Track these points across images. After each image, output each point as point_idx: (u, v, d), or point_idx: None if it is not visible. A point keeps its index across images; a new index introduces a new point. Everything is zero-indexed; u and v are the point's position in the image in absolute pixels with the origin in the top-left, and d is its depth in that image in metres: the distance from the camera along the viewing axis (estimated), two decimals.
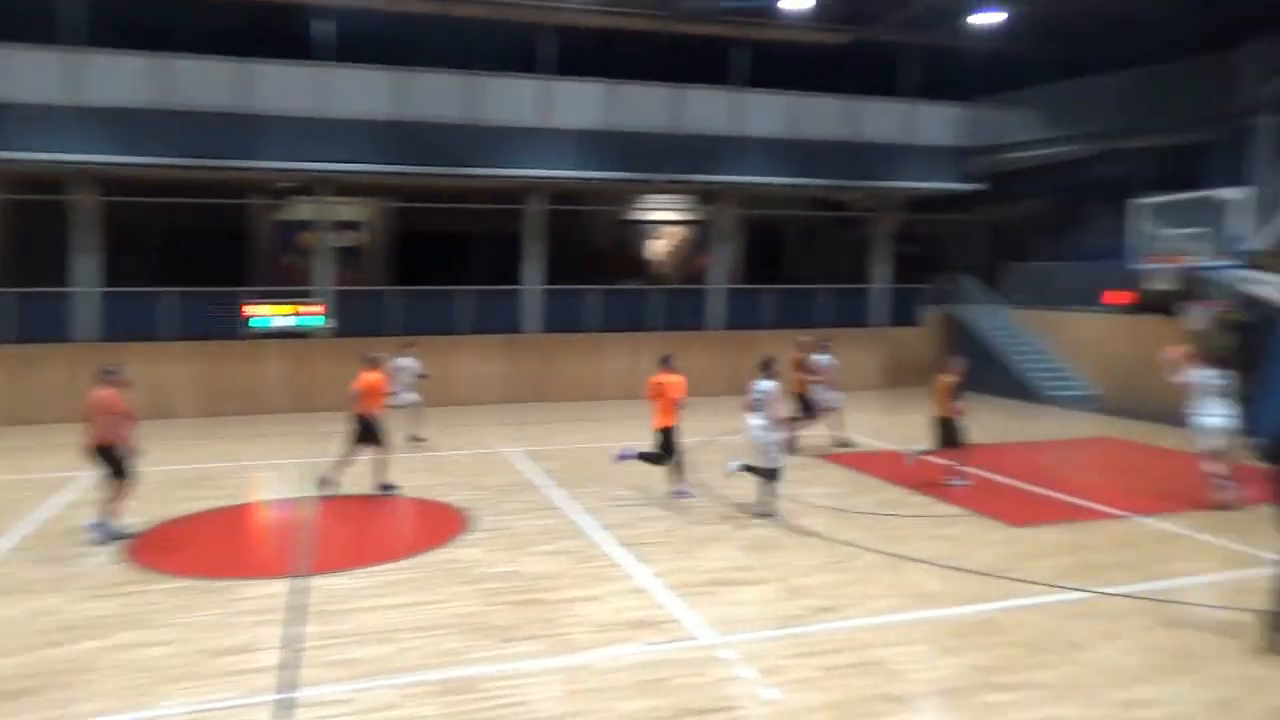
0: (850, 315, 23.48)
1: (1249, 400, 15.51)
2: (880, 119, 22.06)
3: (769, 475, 10.50)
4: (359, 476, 11.51)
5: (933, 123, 22.46)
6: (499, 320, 20.75)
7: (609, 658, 6.59)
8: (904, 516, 10.53)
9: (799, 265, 29.75)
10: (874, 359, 23.53)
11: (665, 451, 11.26)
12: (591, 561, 8.85)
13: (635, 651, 6.70)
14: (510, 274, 21.48)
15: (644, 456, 11.53)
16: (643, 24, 20.69)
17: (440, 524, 10.23)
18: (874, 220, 23.87)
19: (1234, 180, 16.80)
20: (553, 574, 8.44)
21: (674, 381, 11.31)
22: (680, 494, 11.34)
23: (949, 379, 12.17)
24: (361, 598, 7.80)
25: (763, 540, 9.56)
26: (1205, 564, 8.89)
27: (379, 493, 11.55)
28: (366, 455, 11.51)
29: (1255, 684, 6.15)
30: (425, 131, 19.02)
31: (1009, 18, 20.10)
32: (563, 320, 21.21)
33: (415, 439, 14.97)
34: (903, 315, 24.09)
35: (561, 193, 21.68)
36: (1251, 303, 16.74)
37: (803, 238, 29.92)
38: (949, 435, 12.05)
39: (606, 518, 10.44)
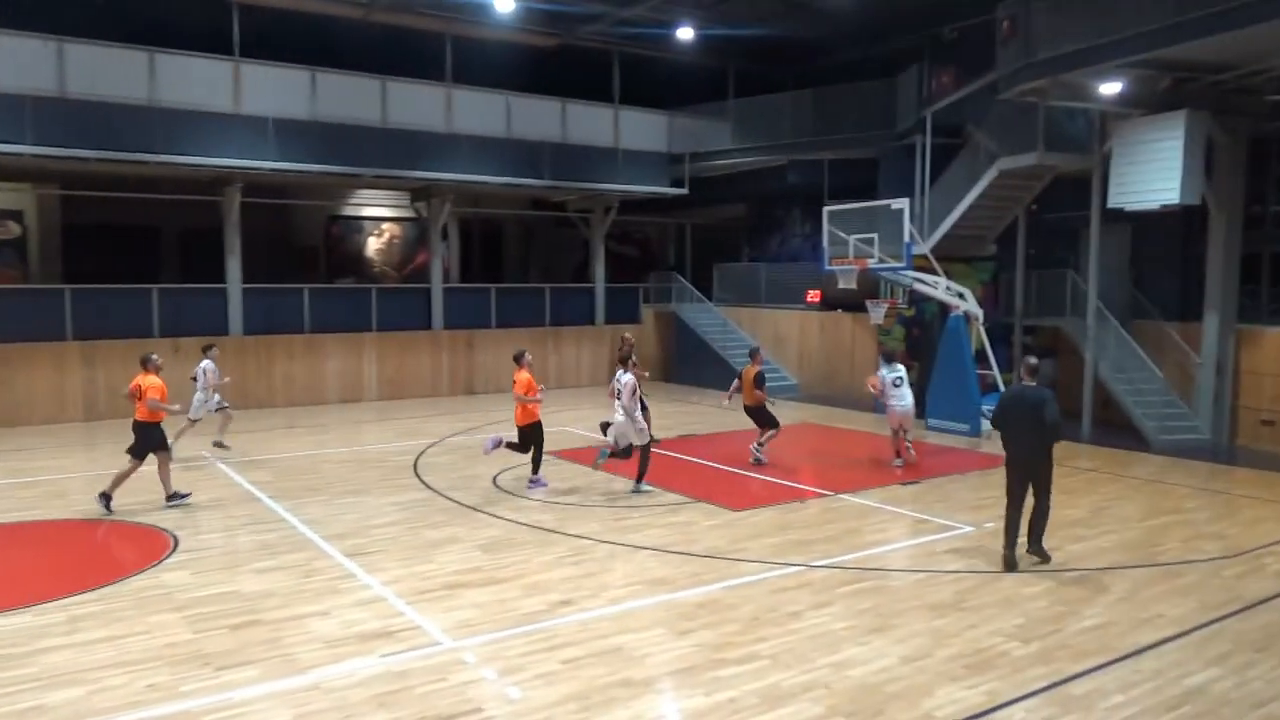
0: (574, 314, 23.96)
1: (921, 387, 17.57)
2: (591, 122, 22.51)
3: (624, 452, 11.42)
4: (51, 496, 10.12)
5: (640, 128, 23.25)
6: (199, 321, 18.97)
7: (342, 674, 6.24)
8: (634, 507, 10.88)
9: (523, 265, 29.96)
10: (598, 356, 24.19)
11: (524, 445, 11.86)
12: (317, 575, 8.34)
13: (370, 664, 6.39)
14: (211, 271, 19.76)
15: (511, 445, 11.95)
16: (341, 10, 19.64)
17: (141, 547, 9.20)
18: (591, 221, 24.48)
19: (903, 191, 19.00)
20: (274, 591, 7.86)
21: (519, 379, 11.76)
22: (535, 484, 11.79)
23: (754, 368, 13.34)
24: (47, 637, 6.83)
25: (499, 540, 9.49)
26: (897, 533, 9.95)
27: (100, 503, 10.40)
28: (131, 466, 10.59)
29: (941, 636, 6.96)
30: (93, 111, 16.80)
31: (705, 35, 21.49)
32: (274, 321, 19.82)
33: (221, 445, 14.22)
34: (624, 313, 24.92)
35: (263, 185, 20.25)
36: (921, 301, 18.99)
37: (525, 237, 30.12)
38: (765, 418, 13.33)
39: (331, 528, 9.90)
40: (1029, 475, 8.59)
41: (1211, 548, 9.32)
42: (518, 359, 11.97)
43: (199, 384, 13.84)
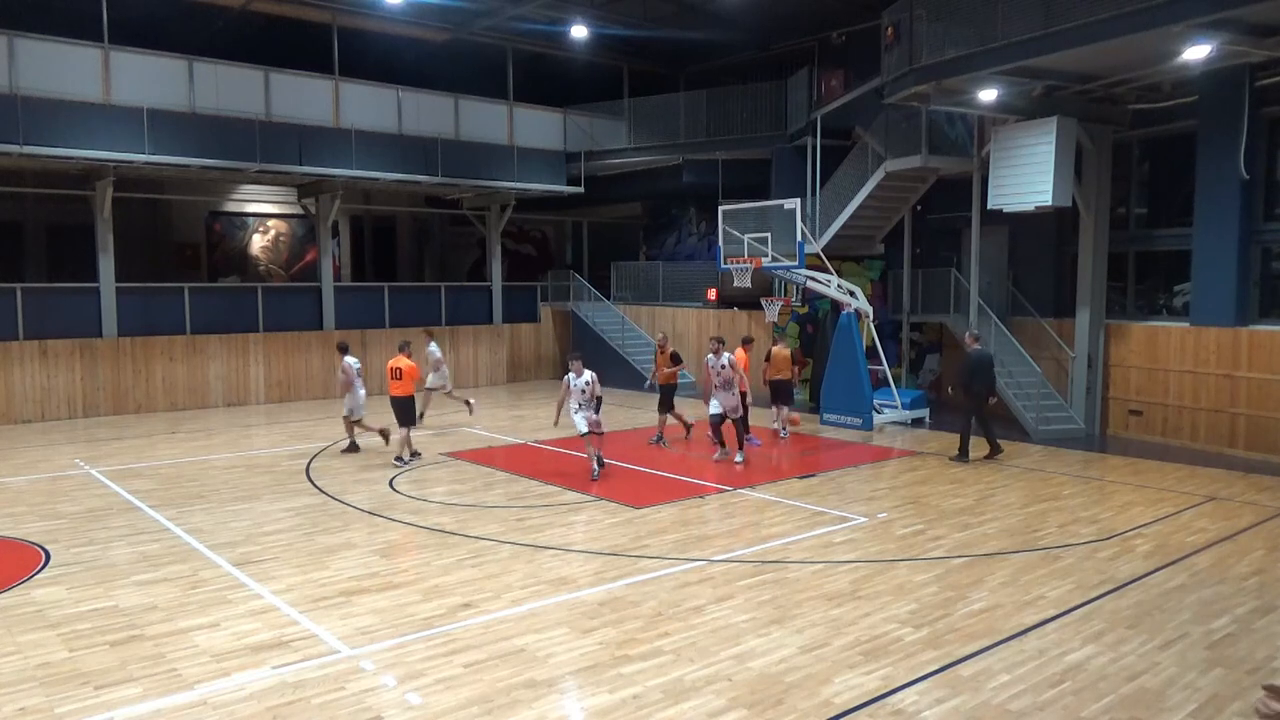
0: (471, 313, 23.64)
1: (816, 383, 17.99)
2: (485, 119, 22.20)
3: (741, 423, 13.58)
4: None
5: (536, 125, 23.06)
6: (68, 323, 17.97)
7: (232, 688, 5.99)
8: (536, 507, 10.80)
9: (418, 263, 29.43)
10: (496, 355, 23.95)
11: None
12: (204, 586, 7.99)
13: (263, 676, 6.16)
14: (82, 269, 18.72)
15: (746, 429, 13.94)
16: None
17: (7, 562, 8.65)
18: (486, 219, 24.19)
19: (795, 191, 19.43)
20: (157, 605, 7.50)
21: (742, 359, 14.29)
22: (749, 441, 14.03)
23: (786, 350, 15.35)
24: None
25: (397, 544, 9.29)
26: (794, 526, 10.15)
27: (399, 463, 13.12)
28: None
29: (837, 625, 7.13)
30: None
31: (599, 34, 21.53)
32: (152, 322, 18.90)
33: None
34: (522, 312, 24.73)
35: (138, 179, 19.33)
36: (814, 299, 19.45)
37: (419, 235, 29.58)
38: (785, 395, 15.55)
39: (219, 536, 9.51)
40: (982, 403, 13.43)
41: (1086, 532, 9.84)
42: (746, 341, 15.40)
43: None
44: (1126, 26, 11.76)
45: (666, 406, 15.07)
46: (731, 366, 13.24)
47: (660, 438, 15.00)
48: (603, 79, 24.50)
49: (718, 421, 13.46)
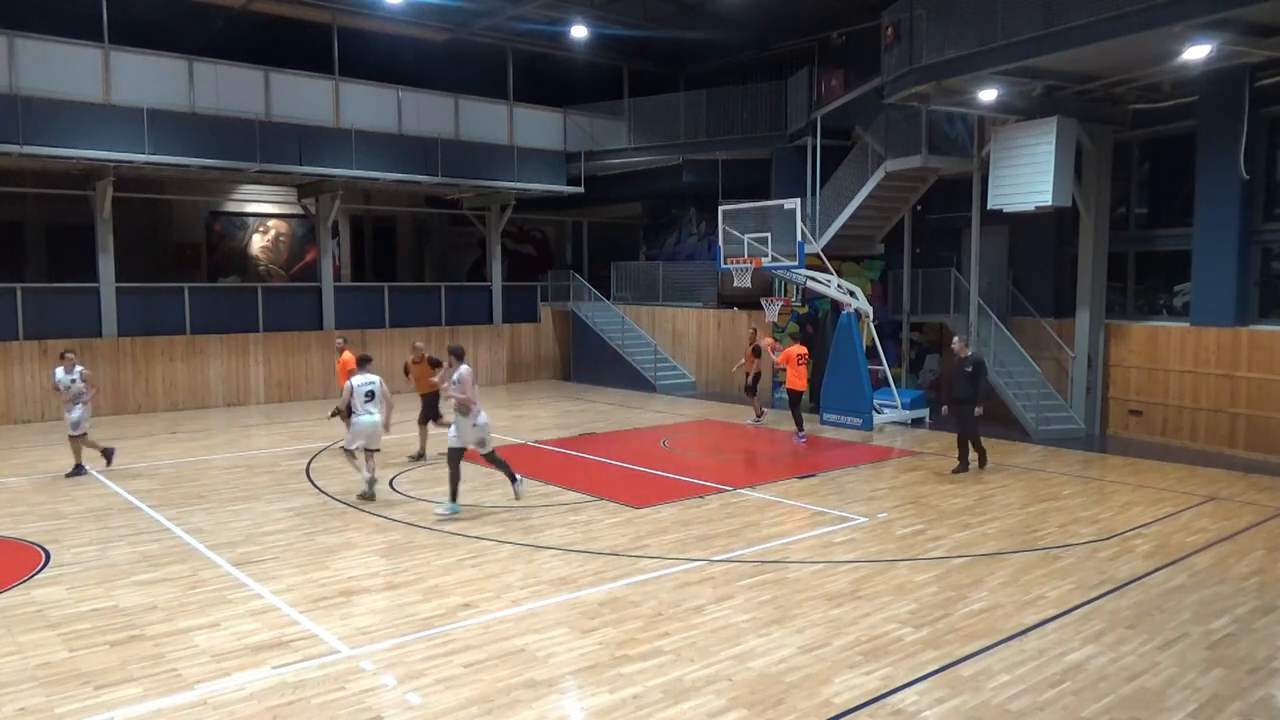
0: (471, 313, 23.65)
1: (816, 382, 17.96)
2: (485, 119, 22.18)
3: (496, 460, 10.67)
4: None
5: (536, 125, 23.04)
6: (68, 322, 17.96)
7: (232, 688, 5.99)
8: (536, 507, 10.80)
9: (418, 263, 29.45)
10: (496, 355, 23.97)
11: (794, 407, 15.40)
12: (204, 586, 7.99)
13: (263, 676, 6.16)
14: (82, 269, 18.72)
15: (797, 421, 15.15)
16: None
17: (7, 562, 8.65)
18: (487, 219, 24.18)
19: (795, 191, 19.42)
20: (157, 605, 7.50)
21: (795, 351, 15.44)
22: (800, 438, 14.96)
23: (792, 350, 15.63)
24: None
25: (397, 544, 9.29)
26: (794, 525, 10.16)
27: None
28: None
29: (837, 625, 7.13)
30: None
31: (600, 34, 21.51)
32: (151, 322, 18.89)
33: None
34: (522, 312, 24.73)
35: (138, 179, 19.33)
36: (814, 299, 19.45)
37: (419, 235, 29.59)
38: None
39: (219, 536, 9.51)
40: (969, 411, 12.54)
41: (1086, 532, 9.84)
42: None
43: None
44: (1126, 26, 11.76)
45: (428, 417, 13.63)
46: (462, 383, 10.10)
47: (422, 454, 13.62)
48: (603, 79, 24.49)
49: (455, 458, 10.35)
